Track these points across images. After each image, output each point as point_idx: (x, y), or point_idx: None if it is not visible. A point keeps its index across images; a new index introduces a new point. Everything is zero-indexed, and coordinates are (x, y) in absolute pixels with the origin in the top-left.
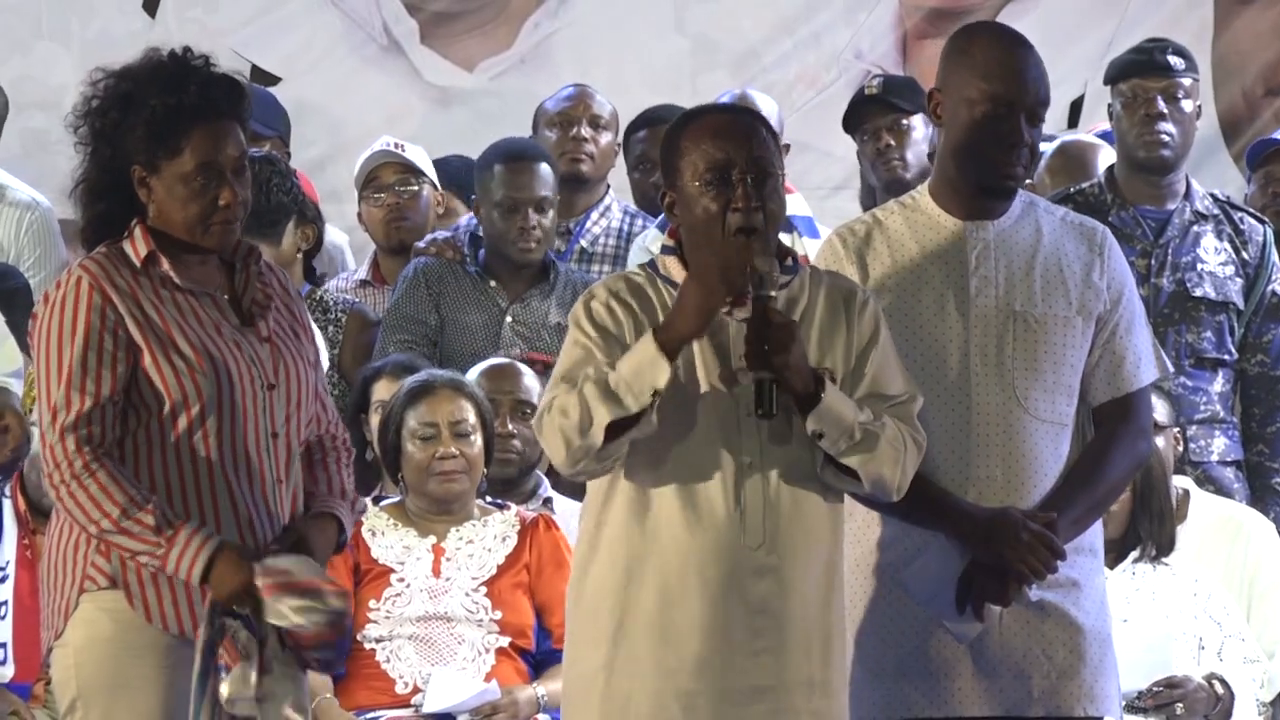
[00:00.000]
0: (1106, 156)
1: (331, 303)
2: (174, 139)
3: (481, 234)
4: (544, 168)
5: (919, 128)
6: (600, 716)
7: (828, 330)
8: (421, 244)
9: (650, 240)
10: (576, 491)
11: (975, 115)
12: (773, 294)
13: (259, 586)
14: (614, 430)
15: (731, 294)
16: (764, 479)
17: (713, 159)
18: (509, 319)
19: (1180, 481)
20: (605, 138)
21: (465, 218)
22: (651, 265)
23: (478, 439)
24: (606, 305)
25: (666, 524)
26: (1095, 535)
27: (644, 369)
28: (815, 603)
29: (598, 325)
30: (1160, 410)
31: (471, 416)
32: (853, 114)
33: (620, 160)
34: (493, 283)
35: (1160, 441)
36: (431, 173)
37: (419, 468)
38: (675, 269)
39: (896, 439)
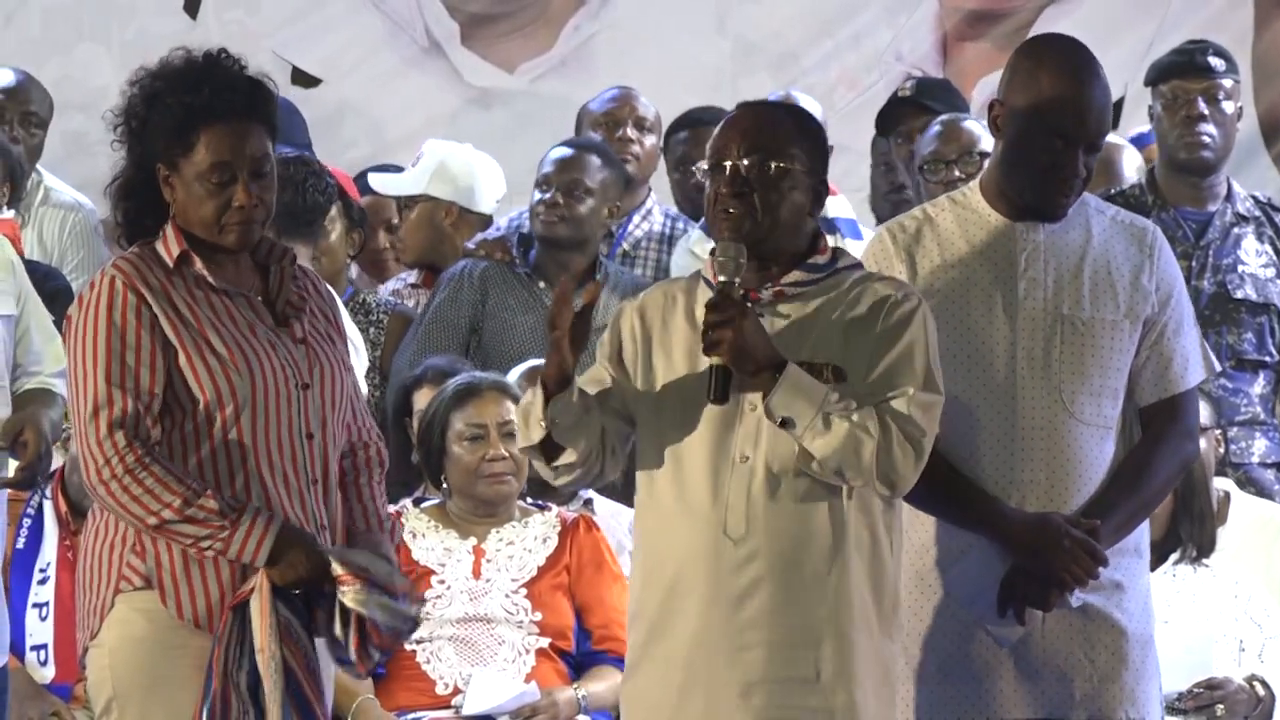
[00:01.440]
0: (1131, 157)
1: (374, 304)
2: (188, 137)
3: (530, 233)
4: (592, 158)
5: None
6: (627, 712)
7: (847, 325)
8: (471, 244)
9: (693, 242)
10: (617, 493)
11: (1033, 146)
12: (734, 280)
13: (338, 573)
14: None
15: (555, 340)
16: (751, 472)
17: (714, 147)
18: None
19: (1221, 483)
20: (649, 140)
21: (511, 216)
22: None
23: None
24: (632, 321)
25: (664, 519)
26: (1141, 536)
27: (529, 402)
28: (812, 596)
29: (615, 335)
30: (1202, 412)
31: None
32: (887, 116)
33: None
34: (541, 283)
35: (1202, 443)
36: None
37: (467, 470)
38: (709, 269)
39: (867, 429)
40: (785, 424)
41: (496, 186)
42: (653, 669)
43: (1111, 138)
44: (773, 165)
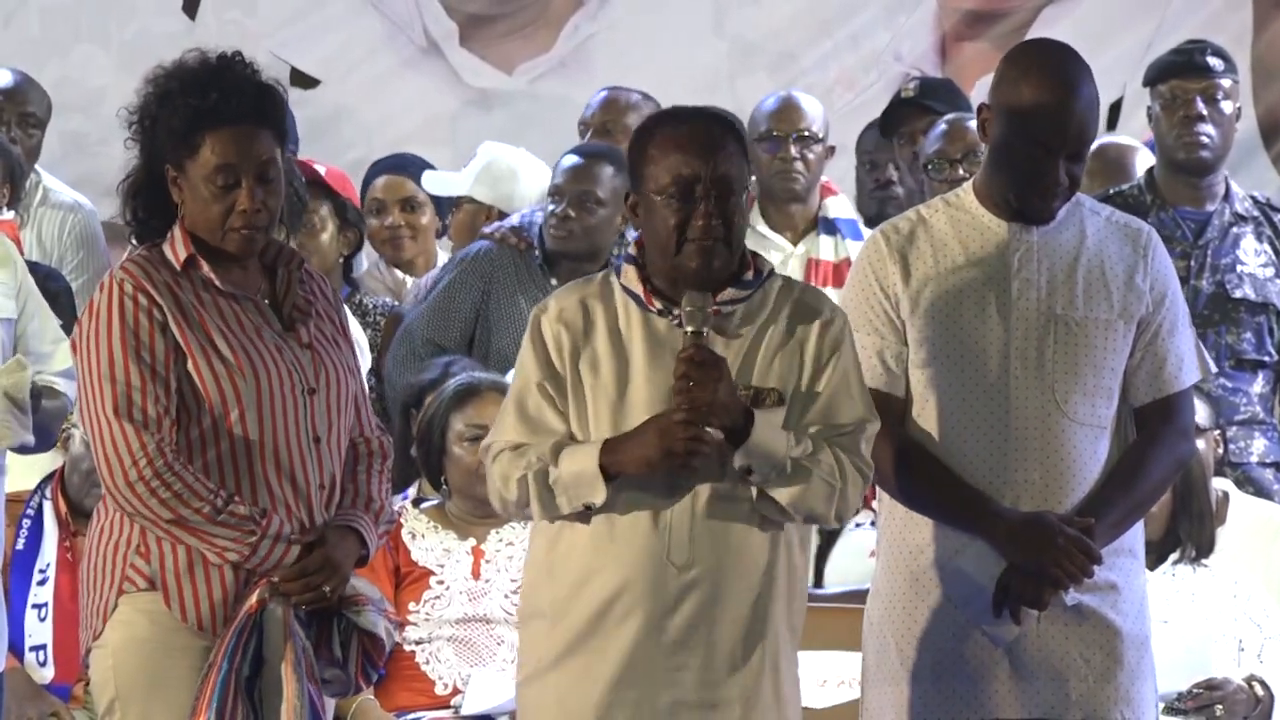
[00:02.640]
0: (1144, 159)
1: (370, 306)
2: (194, 139)
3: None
4: (604, 167)
5: None
6: (534, 714)
7: (783, 346)
8: (489, 229)
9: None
10: None
11: (1015, 153)
12: (704, 330)
13: (358, 592)
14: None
15: (680, 466)
16: (693, 499)
17: (677, 172)
18: None
19: (1220, 483)
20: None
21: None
22: (616, 270)
23: None
24: (554, 328)
25: (604, 539)
26: (1136, 537)
27: (583, 483)
28: (748, 620)
29: (543, 345)
30: (1201, 412)
31: None
32: (890, 117)
33: None
34: (554, 281)
35: (1200, 444)
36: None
37: (467, 470)
38: (632, 279)
39: (832, 472)
40: (746, 471)
41: (539, 193)
42: (569, 679)
43: (1124, 139)
44: (733, 194)
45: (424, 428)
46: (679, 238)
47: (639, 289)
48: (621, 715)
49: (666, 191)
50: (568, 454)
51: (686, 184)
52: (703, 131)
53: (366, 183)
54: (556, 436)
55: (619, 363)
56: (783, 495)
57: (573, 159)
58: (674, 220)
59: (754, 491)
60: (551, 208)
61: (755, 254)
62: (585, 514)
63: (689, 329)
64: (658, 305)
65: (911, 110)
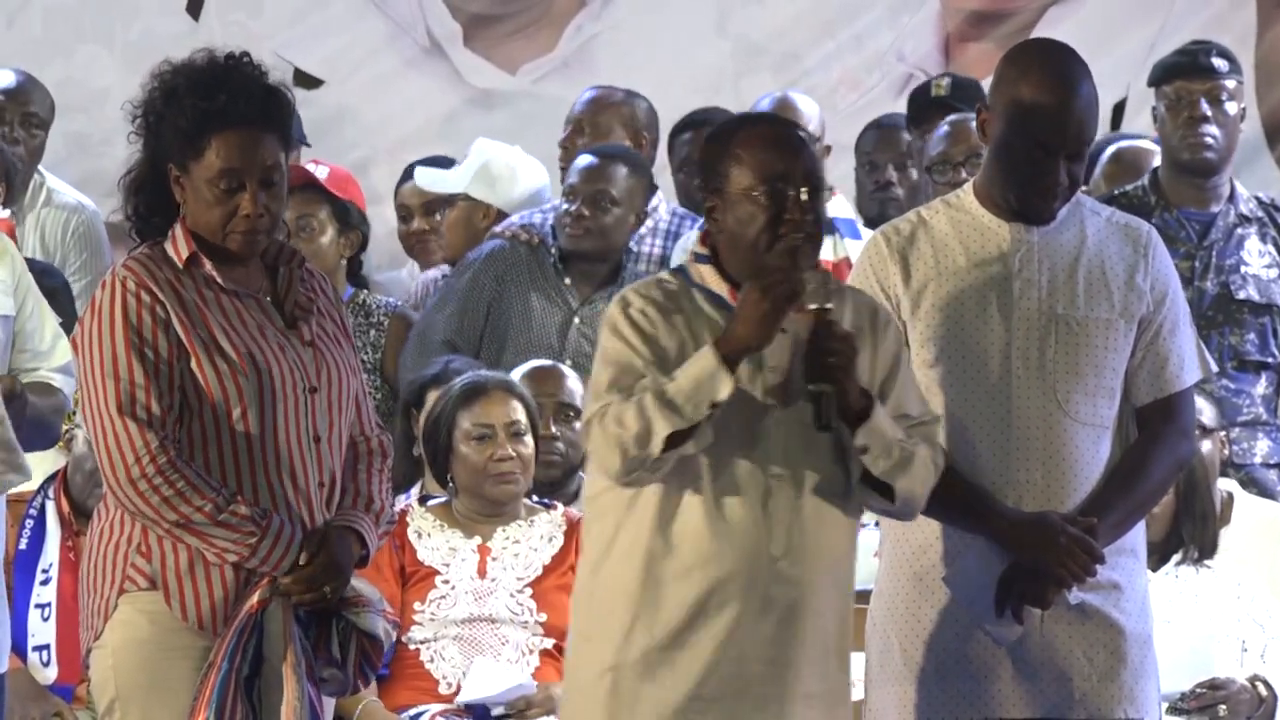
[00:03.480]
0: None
1: (374, 306)
2: (199, 141)
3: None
4: (618, 167)
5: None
6: (604, 711)
7: (861, 347)
8: (500, 227)
9: (693, 243)
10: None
11: (1015, 154)
12: (830, 305)
13: (358, 592)
14: (670, 441)
15: (794, 303)
16: (790, 489)
17: (769, 169)
18: (577, 320)
19: (1225, 484)
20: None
21: (523, 214)
22: (682, 271)
23: (530, 439)
24: (643, 311)
25: (692, 530)
26: (1138, 537)
27: (704, 381)
28: (830, 615)
29: (638, 329)
30: (1207, 414)
31: (523, 417)
32: (919, 112)
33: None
34: (567, 280)
35: (1207, 445)
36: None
37: (474, 469)
38: (710, 277)
39: (927, 460)
40: (863, 451)
41: (535, 192)
42: (663, 671)
43: (1142, 142)
44: (820, 191)
45: (430, 425)
46: (770, 235)
47: (721, 288)
48: (715, 709)
49: (757, 189)
50: (679, 370)
51: (777, 181)
52: (786, 131)
53: (397, 188)
54: None
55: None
56: (894, 478)
57: (588, 159)
58: (764, 217)
59: (854, 478)
60: (566, 207)
61: None
62: (702, 434)
63: (813, 306)
64: None
65: (941, 109)
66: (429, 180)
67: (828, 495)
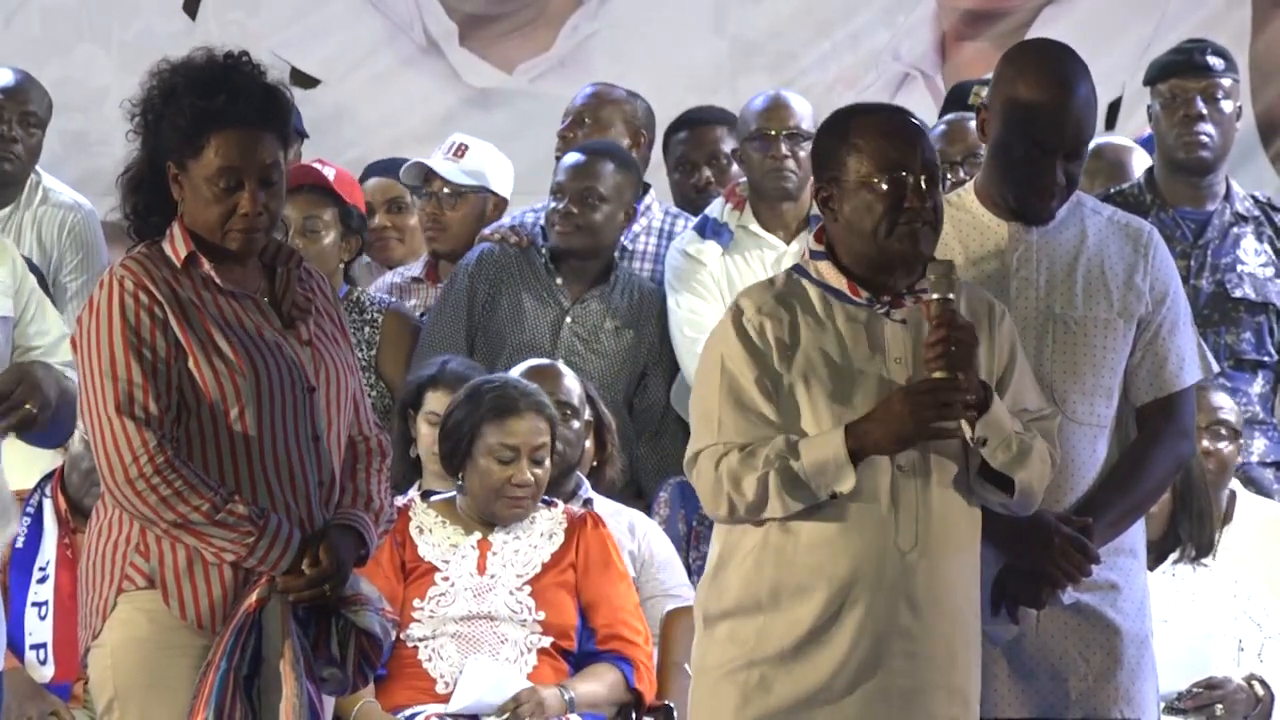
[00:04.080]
0: (1141, 159)
1: (368, 303)
2: (198, 140)
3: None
4: (606, 164)
5: None
6: (737, 709)
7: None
8: (487, 230)
9: (686, 243)
10: (615, 492)
11: (1012, 153)
12: (952, 295)
13: (357, 591)
14: None
15: (938, 434)
16: (918, 482)
17: (887, 158)
18: (569, 319)
19: None
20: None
21: (513, 214)
22: (798, 269)
23: (549, 462)
24: (758, 324)
25: (820, 523)
26: (1136, 536)
27: (828, 470)
28: (958, 607)
29: (749, 345)
30: (1232, 415)
31: (547, 439)
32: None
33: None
34: (559, 279)
35: (1228, 447)
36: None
37: (491, 486)
38: (829, 272)
39: (1044, 454)
40: (982, 443)
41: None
42: (795, 666)
43: (1121, 140)
44: (936, 181)
45: (454, 425)
46: (890, 222)
47: (839, 282)
48: (853, 703)
49: (876, 177)
50: (806, 445)
51: (896, 169)
52: (903, 119)
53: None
54: (778, 433)
55: (830, 357)
56: (1012, 471)
57: (574, 156)
58: (883, 205)
59: (972, 470)
60: (554, 205)
61: None
62: (815, 506)
63: (936, 296)
64: (865, 295)
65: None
66: (448, 171)
67: (954, 487)
